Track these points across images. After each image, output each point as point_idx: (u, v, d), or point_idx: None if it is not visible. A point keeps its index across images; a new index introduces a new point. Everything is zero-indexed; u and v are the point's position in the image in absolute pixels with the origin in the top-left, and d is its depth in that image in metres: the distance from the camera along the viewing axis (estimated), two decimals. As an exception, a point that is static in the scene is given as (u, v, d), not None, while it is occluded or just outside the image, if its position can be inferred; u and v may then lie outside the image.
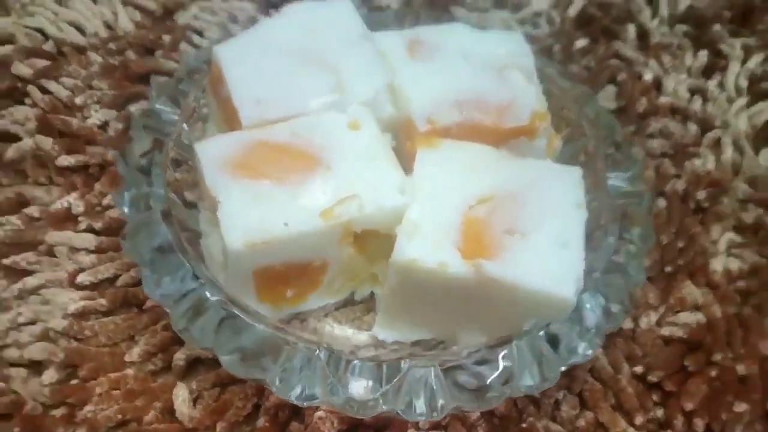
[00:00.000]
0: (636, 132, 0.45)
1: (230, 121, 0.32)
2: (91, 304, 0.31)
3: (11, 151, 0.36)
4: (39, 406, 0.28)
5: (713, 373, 0.33)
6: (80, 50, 0.44)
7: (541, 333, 0.26)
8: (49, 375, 0.29)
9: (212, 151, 0.29)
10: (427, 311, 0.29)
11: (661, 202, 0.41)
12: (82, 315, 0.31)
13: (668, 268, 0.37)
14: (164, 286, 0.26)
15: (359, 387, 0.25)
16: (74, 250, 0.33)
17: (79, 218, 0.34)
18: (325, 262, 0.29)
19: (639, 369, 0.32)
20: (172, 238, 0.28)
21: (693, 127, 0.46)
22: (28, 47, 0.42)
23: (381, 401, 0.25)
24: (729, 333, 0.34)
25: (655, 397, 0.32)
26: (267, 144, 0.29)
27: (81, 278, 0.32)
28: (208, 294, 0.26)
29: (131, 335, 0.31)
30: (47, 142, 0.36)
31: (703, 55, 0.51)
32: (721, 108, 0.47)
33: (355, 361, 0.25)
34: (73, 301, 0.31)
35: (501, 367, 0.25)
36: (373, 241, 0.29)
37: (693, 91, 0.48)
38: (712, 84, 0.49)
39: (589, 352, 0.27)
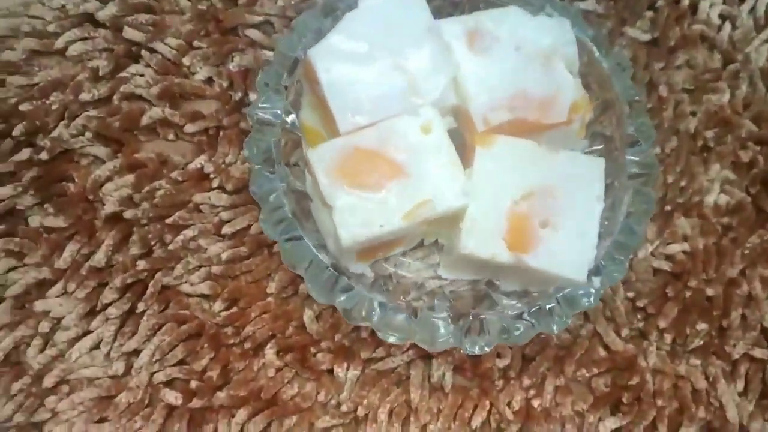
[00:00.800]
0: (664, 67, 0.51)
1: (326, 115, 0.40)
2: (236, 251, 0.43)
3: (146, 119, 0.45)
4: (215, 326, 0.42)
5: (687, 294, 0.45)
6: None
7: (560, 294, 0.38)
8: (218, 305, 0.42)
9: (322, 159, 0.38)
10: (480, 268, 0.40)
11: (674, 141, 0.49)
12: (232, 260, 0.43)
13: (668, 207, 0.47)
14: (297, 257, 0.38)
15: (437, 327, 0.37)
16: (214, 206, 0.44)
17: (211, 176, 0.45)
18: (406, 236, 0.40)
19: (631, 294, 0.44)
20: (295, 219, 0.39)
21: (717, 58, 0.51)
22: (129, 3, 0.48)
23: (451, 340, 0.37)
24: (706, 262, 0.46)
25: (639, 315, 0.44)
26: (360, 150, 0.38)
27: (225, 230, 0.43)
28: (325, 263, 0.37)
29: (268, 273, 0.43)
30: (175, 115, 0.45)
31: (744, -25, 0.53)
32: (747, 38, 0.52)
33: (432, 311, 0.38)
34: (223, 250, 0.43)
35: (528, 321, 0.37)
36: (441, 222, 0.39)
37: (724, 18, 0.52)
38: (744, 9, 0.52)
39: (593, 304, 0.38)
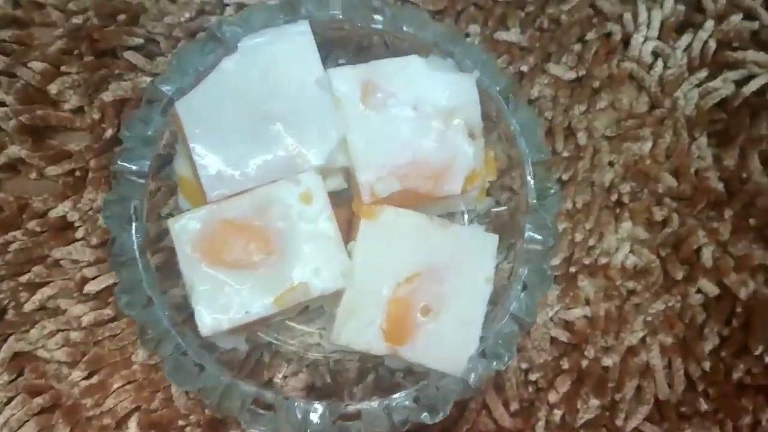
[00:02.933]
0: (586, 110, 0.47)
1: (196, 174, 0.36)
2: (99, 314, 0.39)
3: (2, 158, 0.40)
4: (73, 398, 0.38)
5: (583, 364, 0.43)
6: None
7: (440, 383, 0.36)
8: (77, 374, 0.39)
9: (184, 232, 0.34)
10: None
11: (587, 194, 0.46)
12: (94, 324, 0.39)
13: (572, 269, 0.44)
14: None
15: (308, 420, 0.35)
16: (75, 262, 0.40)
17: (75, 224, 0.40)
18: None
19: (524, 365, 0.42)
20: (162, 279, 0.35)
21: (644, 101, 0.48)
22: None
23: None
24: (605, 329, 0.44)
25: (530, 388, 0.42)
26: (230, 223, 0.34)
27: (87, 288, 0.39)
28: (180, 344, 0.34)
29: (134, 338, 0.39)
30: (34, 157, 0.40)
31: (681, 9, 0.49)
32: (678, 79, 0.48)
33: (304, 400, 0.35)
34: (85, 313, 0.39)
35: (405, 411, 0.35)
36: (318, 300, 0.36)
37: (657, 55, 0.49)
38: (681, 46, 0.49)
39: (474, 393, 0.36)
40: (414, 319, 0.35)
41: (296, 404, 0.35)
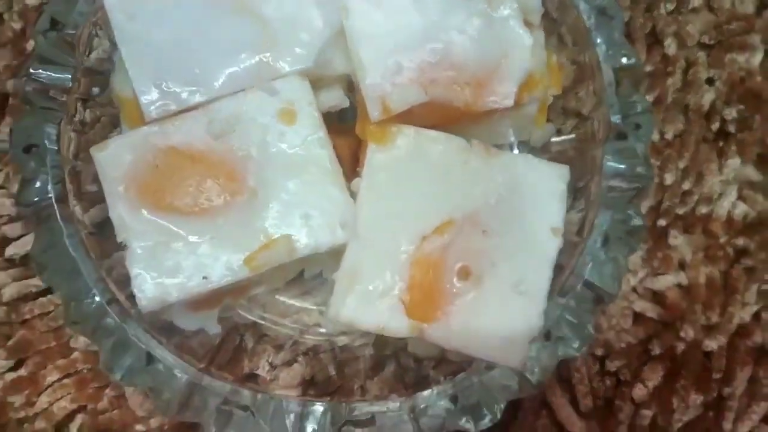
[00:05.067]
0: (675, 10, 0.36)
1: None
2: (26, 285, 0.30)
3: None
4: (-2, 393, 0.29)
5: (679, 349, 0.32)
6: None
7: (488, 375, 0.25)
8: (0, 363, 0.29)
9: (113, 164, 0.24)
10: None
11: (679, 123, 0.34)
12: (20, 297, 0.30)
13: (662, 221, 0.33)
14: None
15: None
16: (-6, 215, 0.30)
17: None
18: (266, 277, 0.26)
19: (599, 351, 0.32)
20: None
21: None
22: None
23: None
24: (708, 302, 0.32)
25: (608, 382, 0.31)
26: (178, 152, 0.24)
27: (10, 251, 0.30)
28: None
29: (73, 317, 0.30)
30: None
31: None
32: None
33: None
34: (7, 284, 0.30)
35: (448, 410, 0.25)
36: (312, 262, 0.26)
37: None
38: None
39: (534, 389, 0.26)
40: (448, 287, 0.24)
41: (286, 405, 0.25)
